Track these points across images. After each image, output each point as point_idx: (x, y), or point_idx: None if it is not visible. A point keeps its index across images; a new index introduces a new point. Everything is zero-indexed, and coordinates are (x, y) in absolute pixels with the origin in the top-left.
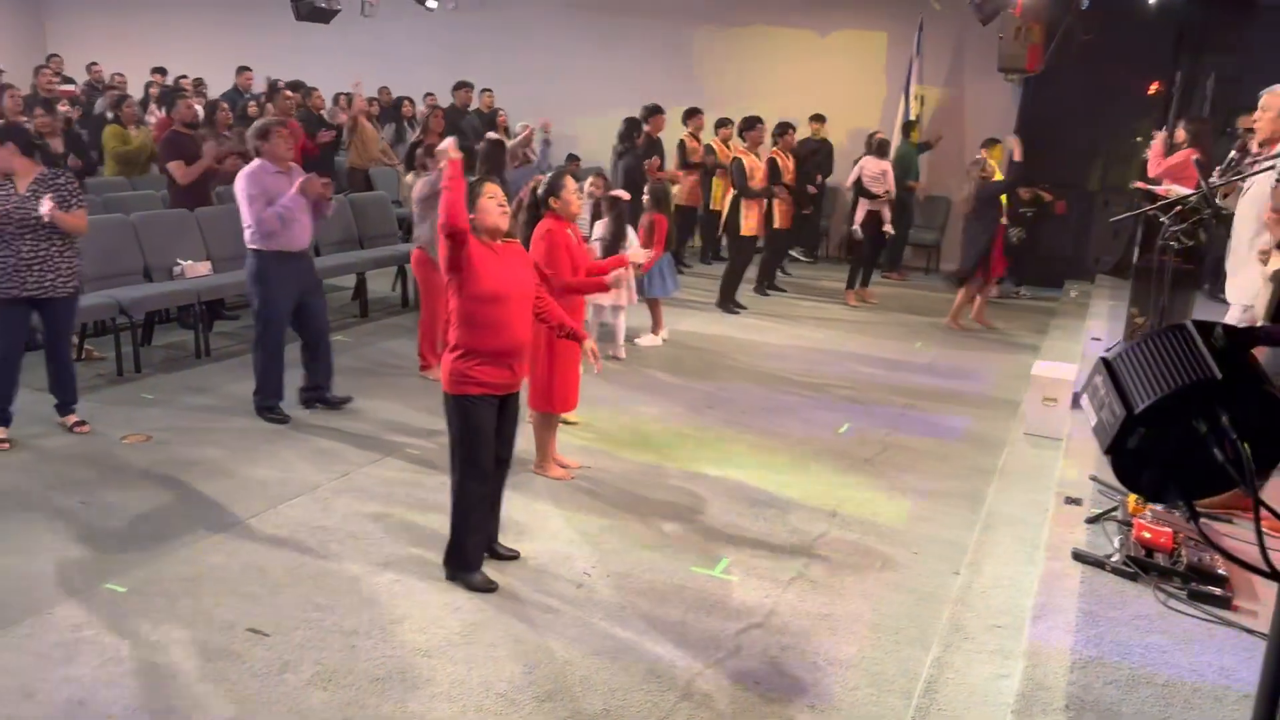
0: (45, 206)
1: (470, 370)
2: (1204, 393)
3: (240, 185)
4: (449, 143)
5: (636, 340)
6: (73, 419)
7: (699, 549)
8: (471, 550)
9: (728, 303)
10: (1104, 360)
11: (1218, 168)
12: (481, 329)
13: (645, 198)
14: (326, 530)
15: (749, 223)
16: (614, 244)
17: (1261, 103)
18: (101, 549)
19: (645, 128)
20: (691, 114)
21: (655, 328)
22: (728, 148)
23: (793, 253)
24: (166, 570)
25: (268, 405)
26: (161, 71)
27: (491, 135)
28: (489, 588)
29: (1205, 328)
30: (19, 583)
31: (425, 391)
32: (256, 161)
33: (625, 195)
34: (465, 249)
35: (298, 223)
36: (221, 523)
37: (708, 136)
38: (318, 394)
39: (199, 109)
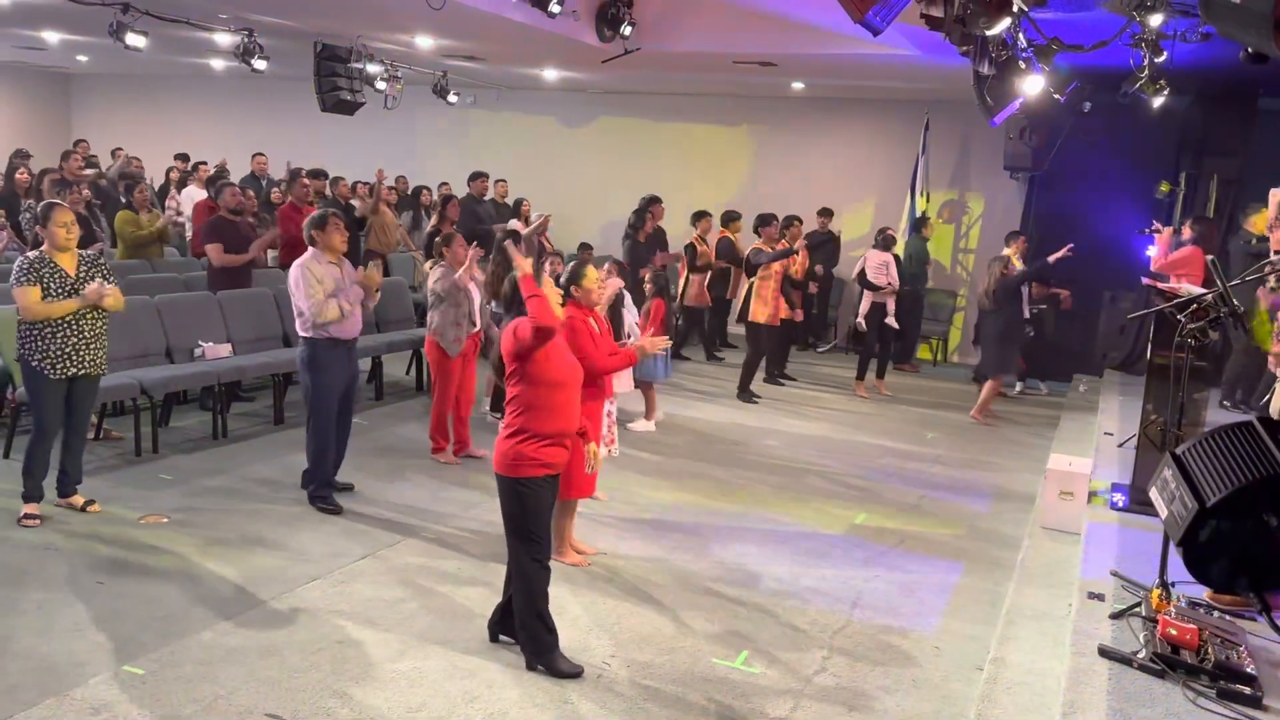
0: (108, 295)
1: (533, 452)
2: (1273, 487)
3: (296, 275)
4: (525, 262)
5: (629, 425)
6: (80, 499)
7: (719, 639)
8: (549, 634)
9: (745, 393)
10: (1173, 455)
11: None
12: (546, 413)
13: (648, 286)
14: (344, 614)
15: (765, 311)
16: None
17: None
18: (120, 631)
19: (649, 218)
20: (700, 216)
21: (649, 413)
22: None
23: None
24: (184, 653)
25: (321, 495)
26: (184, 158)
27: (513, 223)
28: (574, 673)
29: (1271, 425)
30: (37, 664)
31: (439, 474)
32: (310, 251)
33: (620, 282)
34: (547, 345)
35: (352, 312)
36: (239, 605)
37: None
38: None
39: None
